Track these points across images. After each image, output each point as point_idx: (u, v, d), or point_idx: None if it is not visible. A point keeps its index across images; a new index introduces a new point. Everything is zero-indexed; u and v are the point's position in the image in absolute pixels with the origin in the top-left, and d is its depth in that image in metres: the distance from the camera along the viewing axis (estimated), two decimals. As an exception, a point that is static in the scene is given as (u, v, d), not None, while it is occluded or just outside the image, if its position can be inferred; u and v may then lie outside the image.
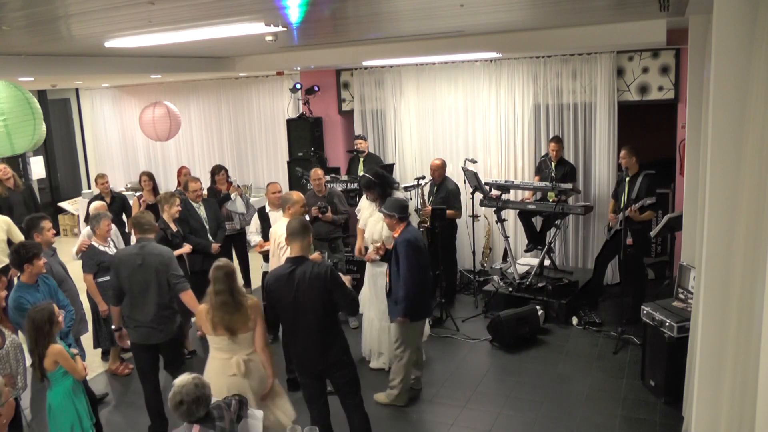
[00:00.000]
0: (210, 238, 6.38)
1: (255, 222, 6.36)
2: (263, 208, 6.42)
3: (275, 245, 5.33)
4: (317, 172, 6.70)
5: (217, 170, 7.60)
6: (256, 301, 3.80)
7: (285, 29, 4.75)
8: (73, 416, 3.87)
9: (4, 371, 3.72)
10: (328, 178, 7.09)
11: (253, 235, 6.30)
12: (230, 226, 7.20)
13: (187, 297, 4.52)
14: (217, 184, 7.54)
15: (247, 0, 3.65)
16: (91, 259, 5.38)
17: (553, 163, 7.15)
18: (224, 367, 3.67)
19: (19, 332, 4.24)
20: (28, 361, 4.00)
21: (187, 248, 5.90)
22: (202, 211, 6.47)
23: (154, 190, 7.86)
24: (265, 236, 6.10)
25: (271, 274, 3.93)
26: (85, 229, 5.96)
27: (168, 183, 11.27)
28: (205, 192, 7.30)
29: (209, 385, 2.95)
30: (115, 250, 5.61)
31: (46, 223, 5.02)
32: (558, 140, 7.20)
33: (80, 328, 5.19)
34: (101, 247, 5.47)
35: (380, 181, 5.55)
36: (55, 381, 3.83)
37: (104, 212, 5.77)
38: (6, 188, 7.30)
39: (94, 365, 5.88)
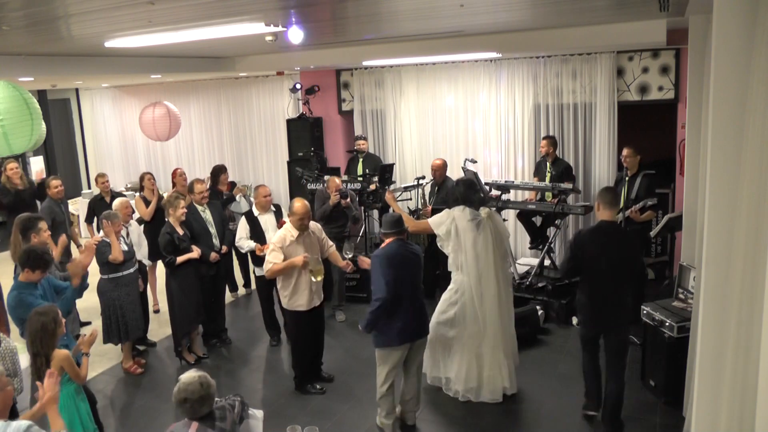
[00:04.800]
0: (215, 242, 6.18)
1: (244, 227, 5.98)
2: (250, 211, 6.07)
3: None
4: (335, 181, 6.64)
5: (222, 170, 7.32)
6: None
7: (285, 29, 4.75)
8: (76, 420, 3.86)
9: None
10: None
11: (244, 241, 5.95)
12: (232, 226, 7.13)
13: None
14: (219, 184, 7.25)
15: (247, 0, 3.65)
16: (103, 255, 5.46)
17: (548, 162, 7.15)
18: None
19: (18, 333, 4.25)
20: (23, 364, 4.00)
21: (195, 253, 5.77)
22: (207, 215, 6.19)
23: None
24: (257, 240, 5.90)
25: (586, 231, 4.75)
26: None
27: (168, 183, 11.27)
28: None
29: (214, 384, 2.99)
30: (126, 248, 5.63)
31: (43, 224, 5.05)
32: (549, 138, 7.18)
33: (74, 327, 5.23)
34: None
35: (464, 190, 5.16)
36: (60, 385, 3.81)
37: (115, 212, 5.70)
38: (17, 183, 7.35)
39: (94, 365, 5.87)
